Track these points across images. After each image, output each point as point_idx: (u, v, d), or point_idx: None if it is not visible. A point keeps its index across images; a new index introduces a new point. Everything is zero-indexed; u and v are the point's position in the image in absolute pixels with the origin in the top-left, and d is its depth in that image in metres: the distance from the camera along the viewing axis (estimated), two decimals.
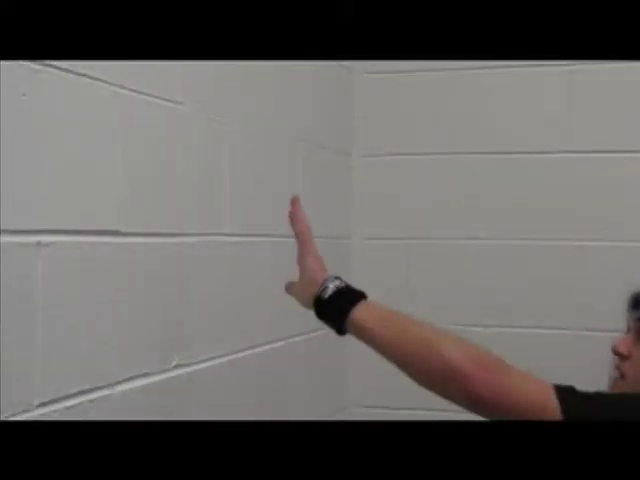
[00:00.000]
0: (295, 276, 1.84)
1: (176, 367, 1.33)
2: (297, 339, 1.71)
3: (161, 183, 1.30)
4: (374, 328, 1.26)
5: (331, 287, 1.31)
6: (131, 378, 1.21)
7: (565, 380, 2.13)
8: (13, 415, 0.99)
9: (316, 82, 1.91)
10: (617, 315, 1.97)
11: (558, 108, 2.01)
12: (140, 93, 1.24)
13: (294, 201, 1.40)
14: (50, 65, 1.05)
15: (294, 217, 1.38)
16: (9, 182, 0.98)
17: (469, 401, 1.16)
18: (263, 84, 1.63)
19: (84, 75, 1.11)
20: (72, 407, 1.08)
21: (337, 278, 1.32)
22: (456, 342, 1.21)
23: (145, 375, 1.25)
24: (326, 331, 1.96)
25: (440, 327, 1.25)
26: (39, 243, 1.03)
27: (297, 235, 1.38)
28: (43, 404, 1.04)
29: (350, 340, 2.13)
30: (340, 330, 1.31)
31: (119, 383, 1.18)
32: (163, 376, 1.29)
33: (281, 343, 1.69)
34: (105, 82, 1.16)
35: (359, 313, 1.27)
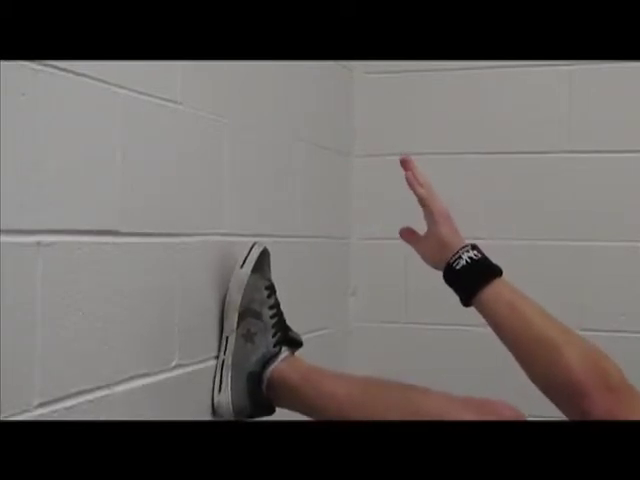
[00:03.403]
0: (295, 279, 1.84)
1: (176, 367, 1.33)
2: None
3: (161, 183, 1.30)
4: (500, 313, 1.21)
5: (465, 258, 1.26)
6: (131, 378, 1.21)
7: None
8: (12, 415, 0.99)
9: (316, 82, 1.91)
10: (615, 315, 1.97)
11: (558, 108, 2.01)
12: (140, 93, 1.24)
13: (406, 163, 1.30)
14: (50, 65, 1.05)
15: (411, 181, 1.30)
16: (9, 182, 0.98)
17: (580, 418, 1.09)
18: (263, 84, 1.63)
19: (84, 75, 1.11)
20: (71, 407, 1.08)
21: (474, 248, 1.27)
22: (583, 352, 1.13)
23: (145, 375, 1.25)
24: (326, 331, 1.97)
25: (568, 329, 1.16)
26: (39, 243, 1.03)
27: (419, 200, 1.31)
28: (42, 404, 1.03)
29: (350, 340, 2.14)
30: (466, 304, 1.27)
31: (119, 383, 1.18)
32: (163, 376, 1.29)
33: None
34: (105, 82, 1.16)
35: (488, 295, 1.22)
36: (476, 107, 2.06)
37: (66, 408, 1.07)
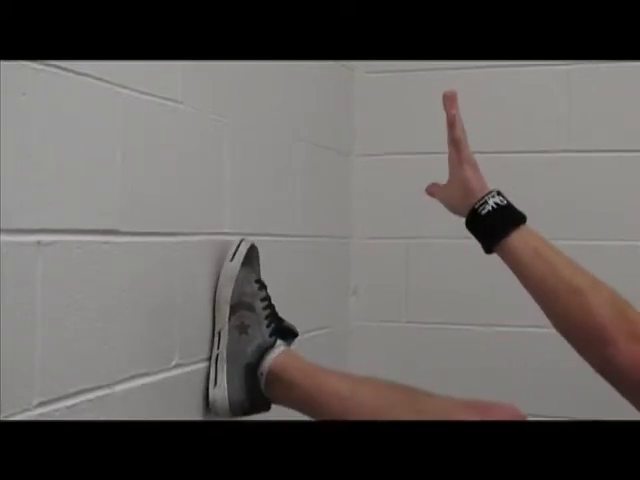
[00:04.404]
0: (296, 279, 1.84)
1: (176, 367, 1.33)
2: (298, 338, 1.71)
3: (161, 183, 1.30)
4: (525, 260, 1.20)
5: (491, 203, 1.25)
6: (131, 377, 1.21)
7: (565, 380, 2.13)
8: (13, 415, 0.99)
9: (316, 82, 1.91)
10: None
11: (557, 107, 2.01)
12: (141, 92, 1.24)
13: (452, 99, 1.28)
14: (51, 64, 1.05)
15: (454, 120, 1.29)
16: (9, 181, 0.98)
17: (604, 365, 1.09)
18: (263, 84, 1.64)
19: (85, 75, 1.11)
20: (72, 407, 1.08)
21: (499, 194, 1.27)
22: (610, 300, 1.12)
23: (145, 374, 1.25)
24: (327, 330, 1.97)
25: (595, 277, 1.15)
26: (39, 242, 1.03)
27: (454, 140, 1.30)
28: (43, 403, 1.04)
29: (351, 339, 2.14)
30: (488, 251, 1.26)
31: (119, 383, 1.18)
32: (163, 375, 1.29)
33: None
34: (106, 82, 1.16)
35: (514, 240, 1.21)
36: (476, 107, 2.06)
37: (66, 407, 1.07)
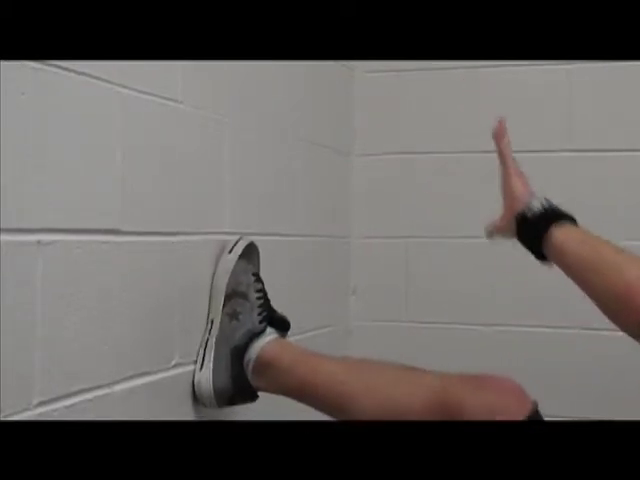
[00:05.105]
0: (295, 278, 1.84)
1: (175, 366, 1.33)
2: (297, 337, 1.71)
3: (161, 183, 1.30)
4: (572, 251, 1.20)
5: (537, 205, 1.25)
6: (131, 377, 1.21)
7: (565, 379, 2.13)
8: (12, 414, 0.99)
9: (316, 82, 1.91)
10: None
11: (558, 107, 2.01)
12: (141, 92, 1.24)
13: (502, 123, 1.33)
14: (51, 64, 1.05)
15: (503, 136, 1.32)
16: (9, 181, 0.98)
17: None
18: (263, 84, 1.64)
19: (85, 74, 1.11)
20: (71, 406, 1.08)
21: (545, 198, 1.27)
22: None
23: (145, 374, 1.25)
24: (326, 330, 1.97)
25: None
26: (39, 242, 1.03)
27: (503, 156, 1.32)
28: (43, 403, 1.04)
29: (351, 339, 2.14)
30: (539, 252, 1.25)
31: (119, 382, 1.18)
32: (163, 375, 1.29)
33: None
34: (106, 81, 1.16)
35: (560, 234, 1.22)
36: (476, 107, 2.06)
37: (66, 407, 1.08)
